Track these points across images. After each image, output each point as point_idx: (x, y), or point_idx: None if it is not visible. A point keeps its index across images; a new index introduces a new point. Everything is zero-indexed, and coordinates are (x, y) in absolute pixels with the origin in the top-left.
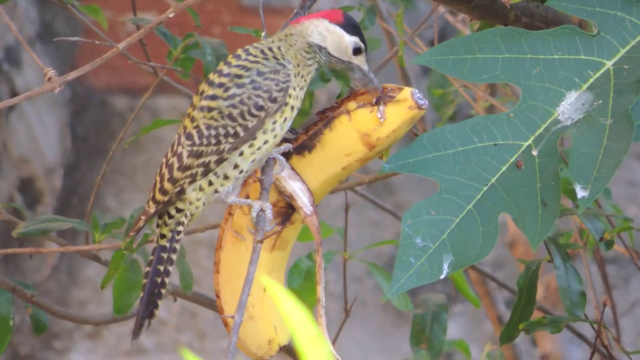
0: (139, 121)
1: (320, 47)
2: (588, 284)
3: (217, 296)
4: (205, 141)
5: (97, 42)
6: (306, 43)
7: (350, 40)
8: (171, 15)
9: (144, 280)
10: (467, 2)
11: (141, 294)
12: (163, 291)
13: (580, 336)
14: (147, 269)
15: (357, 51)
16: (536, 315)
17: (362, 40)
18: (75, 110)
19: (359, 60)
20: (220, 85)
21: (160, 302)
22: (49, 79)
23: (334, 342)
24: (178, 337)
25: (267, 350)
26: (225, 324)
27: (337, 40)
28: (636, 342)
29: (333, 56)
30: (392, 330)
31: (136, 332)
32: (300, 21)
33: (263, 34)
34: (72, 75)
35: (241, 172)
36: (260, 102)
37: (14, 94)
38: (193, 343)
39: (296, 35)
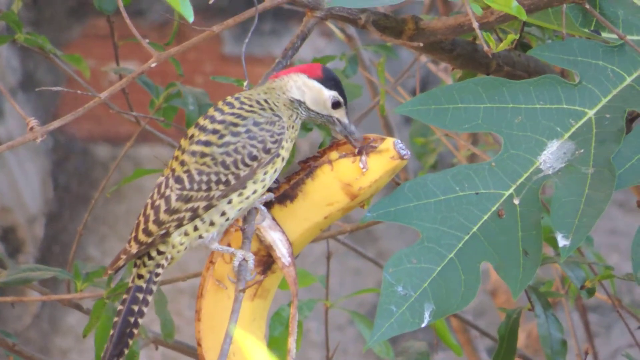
0: (121, 170)
1: (300, 102)
2: (570, 332)
3: (199, 344)
4: (195, 186)
5: (79, 91)
6: (288, 99)
7: (329, 94)
8: (153, 64)
9: (115, 319)
10: (449, 51)
11: (111, 332)
12: (135, 331)
13: None
14: (120, 307)
15: (336, 105)
16: None
17: (342, 93)
18: (58, 159)
19: (339, 114)
20: (215, 131)
21: (130, 342)
22: (31, 128)
23: None
24: None
25: None
26: None
27: (315, 95)
28: None
29: (312, 110)
30: None
31: None
32: (279, 76)
33: (245, 83)
34: (54, 124)
35: (227, 219)
36: (255, 152)
37: None
38: None
39: (278, 90)
